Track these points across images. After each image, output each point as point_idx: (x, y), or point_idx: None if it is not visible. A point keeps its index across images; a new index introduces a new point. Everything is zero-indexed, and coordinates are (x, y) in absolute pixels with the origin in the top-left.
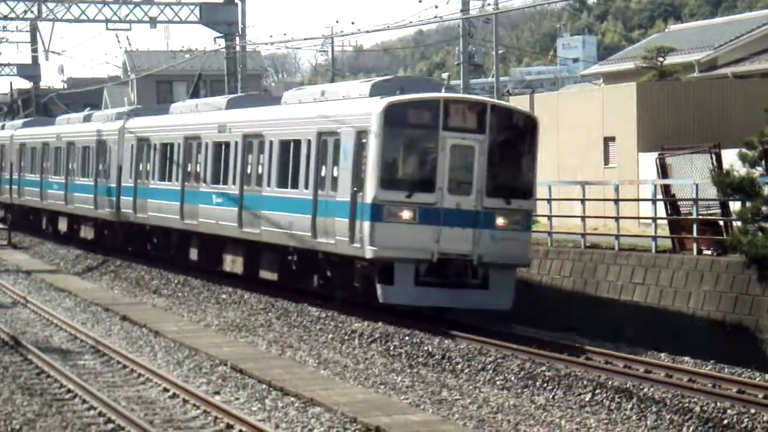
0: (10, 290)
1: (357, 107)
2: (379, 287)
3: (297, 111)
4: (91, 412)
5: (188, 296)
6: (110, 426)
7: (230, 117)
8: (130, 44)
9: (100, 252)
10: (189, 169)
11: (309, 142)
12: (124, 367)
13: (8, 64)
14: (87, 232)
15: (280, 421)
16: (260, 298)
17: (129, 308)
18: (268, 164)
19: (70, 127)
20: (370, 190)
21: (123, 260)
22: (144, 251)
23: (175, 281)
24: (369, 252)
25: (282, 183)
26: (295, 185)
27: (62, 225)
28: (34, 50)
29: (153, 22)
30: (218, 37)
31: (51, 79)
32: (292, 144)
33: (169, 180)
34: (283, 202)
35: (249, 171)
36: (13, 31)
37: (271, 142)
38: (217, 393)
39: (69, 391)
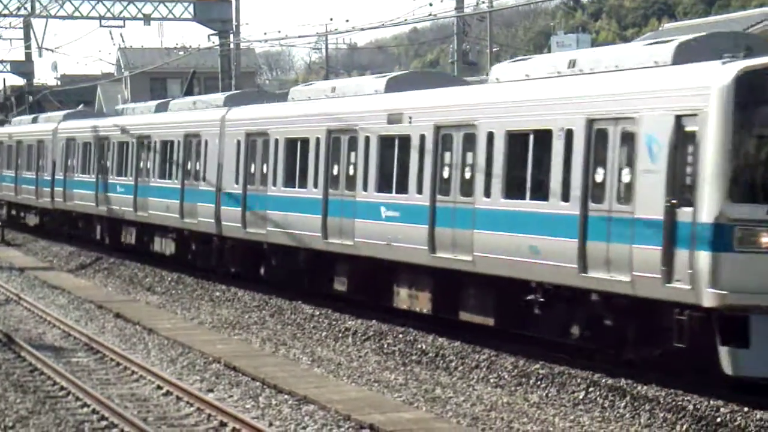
0: (4, 287)
1: (669, 80)
2: (724, 351)
3: (531, 91)
4: (85, 409)
5: (182, 294)
6: (103, 423)
7: (407, 102)
8: (123, 41)
9: (188, 272)
10: (335, 172)
11: (569, 133)
12: (118, 364)
13: (1, 61)
14: (165, 246)
15: (274, 418)
16: (254, 295)
17: (122, 305)
18: (485, 165)
19: (139, 118)
20: (710, 204)
21: (116, 258)
22: (255, 275)
23: (169, 279)
24: (709, 297)
25: (514, 192)
26: (540, 195)
27: (128, 236)
28: (28, 47)
29: (147, 19)
30: (212, 35)
31: (44, 76)
32: (531, 137)
33: (303, 186)
34: (516, 219)
35: (446, 175)
36: (6, 28)
37: (489, 135)
38: (211, 390)
39: (62, 388)
